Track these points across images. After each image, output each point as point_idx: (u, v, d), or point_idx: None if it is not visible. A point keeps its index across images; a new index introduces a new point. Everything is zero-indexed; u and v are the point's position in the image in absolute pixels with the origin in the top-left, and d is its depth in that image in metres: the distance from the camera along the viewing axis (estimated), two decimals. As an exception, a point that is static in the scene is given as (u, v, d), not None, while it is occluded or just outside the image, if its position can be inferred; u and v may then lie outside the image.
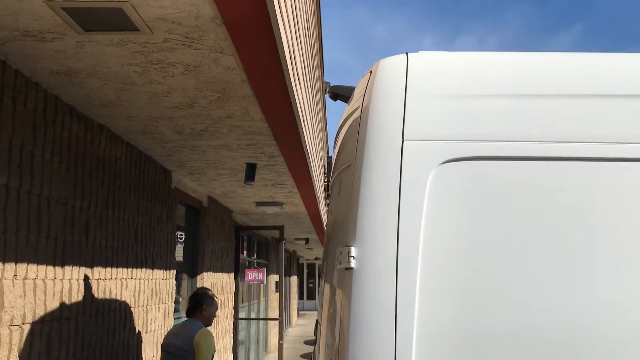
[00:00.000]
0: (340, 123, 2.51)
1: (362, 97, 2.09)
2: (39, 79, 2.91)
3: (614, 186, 1.81)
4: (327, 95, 2.49)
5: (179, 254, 6.02)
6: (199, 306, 4.23)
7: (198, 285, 6.58)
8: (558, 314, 1.71)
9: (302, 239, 14.35)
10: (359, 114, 2.06)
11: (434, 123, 1.90)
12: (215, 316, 4.37)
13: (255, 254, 11.70)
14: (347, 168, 2.13)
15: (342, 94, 2.66)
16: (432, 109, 1.92)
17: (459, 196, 1.83)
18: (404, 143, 1.89)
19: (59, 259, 3.20)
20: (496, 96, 1.93)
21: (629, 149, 1.84)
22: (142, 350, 4.57)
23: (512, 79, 1.95)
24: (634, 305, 1.70)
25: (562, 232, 1.77)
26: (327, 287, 2.29)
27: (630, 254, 1.74)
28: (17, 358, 2.76)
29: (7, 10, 2.17)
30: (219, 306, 7.42)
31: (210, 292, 4.36)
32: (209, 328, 4.72)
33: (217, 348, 7.26)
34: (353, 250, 1.84)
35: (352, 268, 1.83)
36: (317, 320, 2.75)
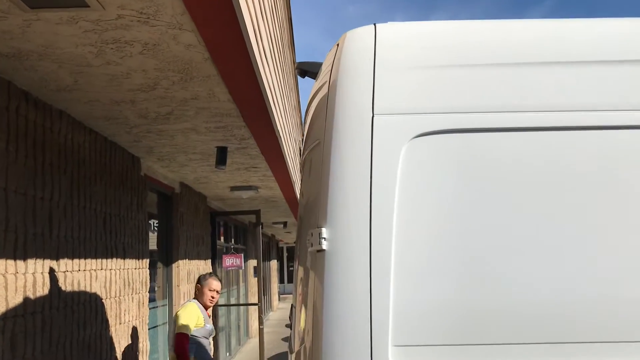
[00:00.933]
0: (309, 100, 2.41)
1: (330, 71, 2.00)
2: (-12, 63, 2.74)
3: (590, 155, 1.76)
4: (296, 72, 2.39)
5: (153, 242, 5.89)
6: (196, 287, 4.39)
7: (173, 274, 6.46)
8: (538, 289, 1.67)
9: (279, 222, 14.28)
10: (327, 89, 1.97)
11: (405, 96, 1.82)
12: (212, 295, 4.35)
13: (232, 240, 11.59)
14: (316, 146, 2.04)
15: (310, 70, 2.56)
16: (402, 81, 1.84)
17: (433, 171, 1.76)
18: (374, 118, 1.81)
19: (20, 253, 3.05)
20: (467, 66, 1.85)
21: (605, 117, 1.78)
22: (117, 342, 4.46)
23: (483, 48, 1.88)
24: (616, 277, 1.66)
25: (540, 204, 1.72)
26: (300, 270, 2.21)
27: (613, 225, 1.70)
28: (-21, 357, 2.64)
29: (-57, -13, 2.01)
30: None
31: (209, 274, 4.47)
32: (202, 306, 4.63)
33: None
34: (324, 232, 1.77)
35: (324, 250, 1.76)
36: (292, 304, 2.68)
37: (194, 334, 4.15)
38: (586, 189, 1.73)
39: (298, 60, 8.30)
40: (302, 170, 2.53)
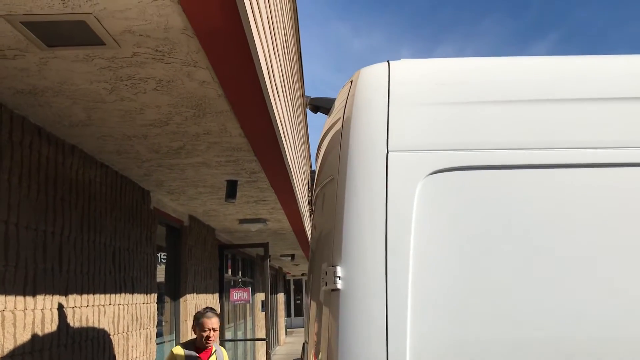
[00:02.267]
0: (322, 135, 2.41)
1: (344, 108, 2.00)
2: (4, 100, 2.77)
3: (603, 192, 1.74)
4: (307, 109, 2.40)
5: (161, 274, 5.84)
6: (192, 327, 4.16)
7: (181, 308, 6.39)
8: (550, 323, 1.63)
9: (287, 255, 14.18)
10: (341, 125, 1.97)
11: (419, 132, 1.82)
12: (205, 335, 4.02)
13: (240, 273, 11.51)
14: (330, 182, 2.03)
15: (322, 105, 2.56)
16: (416, 117, 1.83)
17: (448, 208, 1.74)
18: (389, 154, 1.80)
19: (29, 288, 3.03)
20: (481, 103, 1.85)
21: (618, 154, 1.76)
22: (123, 379, 4.38)
23: (497, 85, 1.88)
24: (623, 315, 1.63)
25: (557, 241, 1.69)
26: (313, 307, 2.18)
27: (622, 261, 1.67)
28: (-15, 397, 2.59)
29: (-37, 27, 2.04)
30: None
31: (203, 310, 4.15)
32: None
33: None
34: (339, 270, 1.74)
35: (339, 289, 1.73)
36: (304, 342, 2.63)
37: None
38: (598, 227, 1.70)
39: (307, 93, 8.37)
40: (314, 205, 2.52)
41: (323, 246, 2.05)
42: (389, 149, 1.80)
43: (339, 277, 1.73)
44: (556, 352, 1.62)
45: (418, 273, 1.69)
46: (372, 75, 1.95)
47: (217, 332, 4.12)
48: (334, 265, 1.75)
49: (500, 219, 1.72)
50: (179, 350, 4.00)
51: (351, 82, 2.04)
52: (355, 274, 1.72)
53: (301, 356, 2.72)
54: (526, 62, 1.95)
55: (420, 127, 1.82)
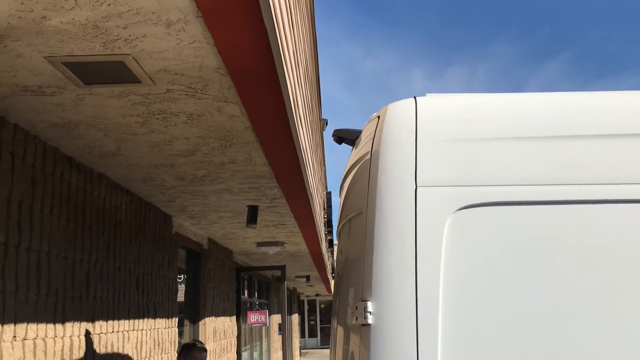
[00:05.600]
0: (348, 168, 2.45)
1: (371, 142, 2.04)
2: (38, 132, 2.85)
3: (633, 229, 1.75)
4: (332, 139, 2.44)
5: (180, 294, 5.87)
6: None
7: (200, 332, 6.42)
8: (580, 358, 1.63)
9: (302, 276, 14.15)
10: (369, 159, 2.00)
11: (447, 168, 1.85)
12: None
13: (256, 294, 11.50)
14: (357, 215, 2.06)
15: (347, 137, 2.61)
16: (443, 153, 1.86)
17: (477, 243, 1.76)
18: (417, 189, 1.82)
19: (59, 316, 3.08)
20: (509, 139, 1.88)
21: None
22: (145, 405, 4.40)
23: (524, 121, 1.90)
24: None
25: (590, 277, 1.70)
26: (340, 332, 2.19)
27: None
28: None
29: (7, 67, 2.12)
30: (221, 352, 7.23)
31: (192, 343, 4.01)
32: None
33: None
34: (370, 306, 1.76)
35: (370, 324, 1.75)
36: (329, 371, 2.63)
37: None
38: (630, 264, 1.71)
39: (323, 115, 8.44)
40: (339, 235, 2.54)
41: (350, 270, 2.07)
42: (418, 184, 1.83)
43: (370, 312, 1.75)
44: None
45: (448, 307, 1.71)
46: (400, 111, 1.99)
47: None
48: (365, 300, 1.78)
49: (531, 255, 1.73)
50: None
51: (378, 117, 2.08)
52: (386, 308, 1.74)
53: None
54: (554, 99, 1.98)
55: (448, 162, 1.85)
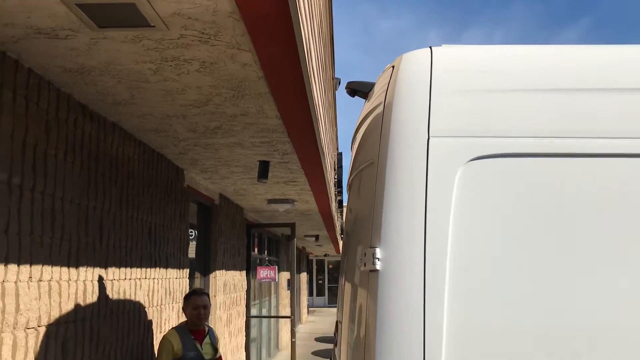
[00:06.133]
0: (360, 120, 2.44)
1: (385, 92, 2.02)
2: (52, 78, 2.86)
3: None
4: (345, 91, 2.41)
5: (191, 251, 5.98)
6: (182, 309, 4.14)
7: (211, 284, 6.55)
8: (587, 312, 1.65)
9: (312, 235, 14.30)
10: (382, 110, 1.99)
11: (460, 119, 1.84)
12: (196, 314, 4.02)
13: (265, 252, 11.66)
14: (368, 166, 2.06)
15: (360, 89, 2.59)
16: (457, 104, 1.85)
17: (487, 194, 1.77)
18: (430, 140, 1.82)
19: (73, 260, 3.15)
20: (523, 90, 1.86)
21: None
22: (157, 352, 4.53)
23: (539, 73, 1.88)
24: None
25: (599, 229, 1.71)
26: (348, 287, 2.23)
27: None
28: (33, 361, 2.72)
29: (21, 8, 2.11)
30: (231, 304, 7.38)
31: (191, 291, 4.15)
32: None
33: (229, 347, 7.23)
34: (378, 252, 1.78)
35: (378, 270, 1.77)
36: (337, 321, 2.69)
37: None
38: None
39: (337, 75, 8.36)
40: (350, 188, 2.56)
41: (359, 229, 2.09)
42: (430, 134, 1.82)
43: (378, 258, 1.78)
44: (599, 339, 1.64)
45: (456, 256, 1.73)
46: (415, 60, 1.97)
47: (208, 311, 4.09)
48: (373, 247, 1.80)
49: (542, 206, 1.74)
50: (173, 335, 3.95)
51: (392, 67, 2.06)
52: (394, 255, 1.76)
53: (334, 334, 2.79)
54: (570, 51, 1.95)
55: (461, 113, 1.84)
